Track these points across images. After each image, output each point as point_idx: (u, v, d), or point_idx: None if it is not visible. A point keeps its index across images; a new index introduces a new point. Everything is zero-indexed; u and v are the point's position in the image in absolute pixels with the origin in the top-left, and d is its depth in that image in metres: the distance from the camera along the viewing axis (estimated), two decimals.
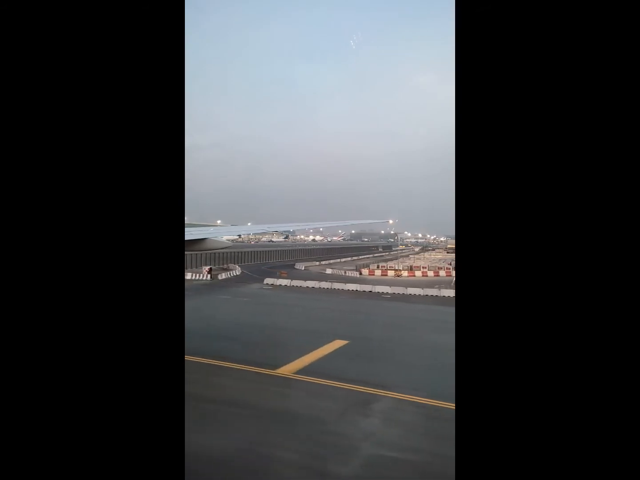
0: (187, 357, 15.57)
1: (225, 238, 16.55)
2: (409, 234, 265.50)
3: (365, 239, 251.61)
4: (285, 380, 15.97)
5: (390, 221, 37.18)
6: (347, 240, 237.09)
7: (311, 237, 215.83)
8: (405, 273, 57.69)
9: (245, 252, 68.86)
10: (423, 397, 14.14)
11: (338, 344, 21.54)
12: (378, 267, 62.16)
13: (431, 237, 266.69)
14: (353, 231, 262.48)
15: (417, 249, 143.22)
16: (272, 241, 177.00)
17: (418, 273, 58.72)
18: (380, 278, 54.74)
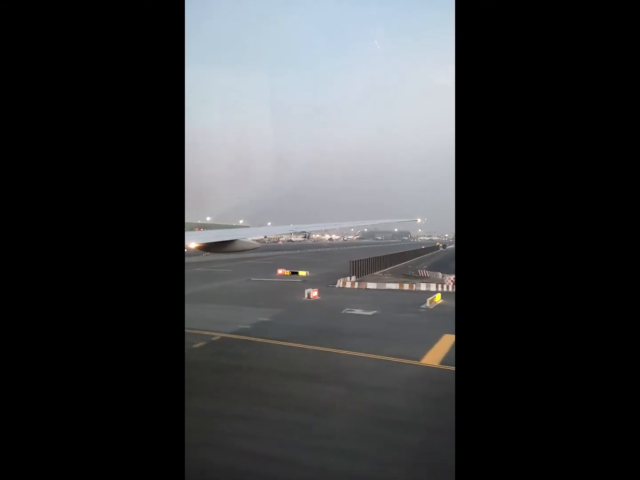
0: None
1: (250, 239, 15.75)
2: (421, 231, 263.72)
3: (379, 237, 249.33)
4: None
5: (419, 220, 32.75)
6: (360, 239, 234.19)
7: (327, 237, 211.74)
8: None
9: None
10: None
11: None
12: None
13: (444, 235, 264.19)
14: (366, 230, 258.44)
15: None
16: (292, 241, 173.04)
17: None
18: None
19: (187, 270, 38.65)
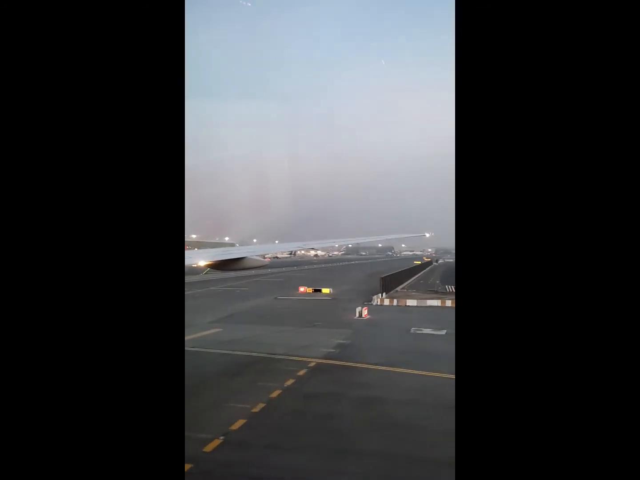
0: None
1: (257, 256, 15.19)
2: (404, 246, 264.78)
3: (364, 253, 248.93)
4: None
5: (427, 235, 32.29)
6: (345, 254, 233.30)
7: (312, 252, 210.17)
8: None
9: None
10: None
11: None
12: None
13: (427, 249, 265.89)
14: (350, 245, 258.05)
15: None
16: (277, 257, 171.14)
17: None
18: None
19: (203, 290, 36.97)
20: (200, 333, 23.03)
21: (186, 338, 21.65)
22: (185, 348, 19.88)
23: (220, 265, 13.88)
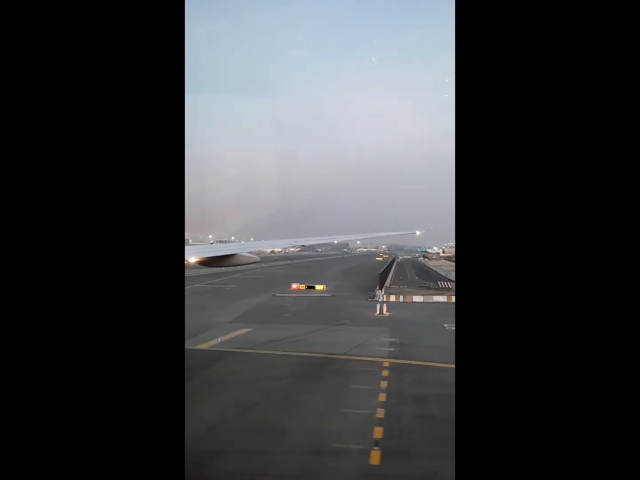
0: None
1: (247, 252, 15.32)
2: (359, 243, 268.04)
3: (320, 250, 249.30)
4: None
5: (417, 232, 34.09)
6: (301, 251, 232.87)
7: (269, 250, 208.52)
8: None
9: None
10: None
11: None
12: None
13: (382, 246, 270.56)
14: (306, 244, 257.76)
15: None
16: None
17: None
18: None
19: (189, 287, 34.89)
20: (232, 333, 21.79)
21: (222, 338, 20.52)
22: (231, 349, 18.58)
23: (210, 262, 13.63)
